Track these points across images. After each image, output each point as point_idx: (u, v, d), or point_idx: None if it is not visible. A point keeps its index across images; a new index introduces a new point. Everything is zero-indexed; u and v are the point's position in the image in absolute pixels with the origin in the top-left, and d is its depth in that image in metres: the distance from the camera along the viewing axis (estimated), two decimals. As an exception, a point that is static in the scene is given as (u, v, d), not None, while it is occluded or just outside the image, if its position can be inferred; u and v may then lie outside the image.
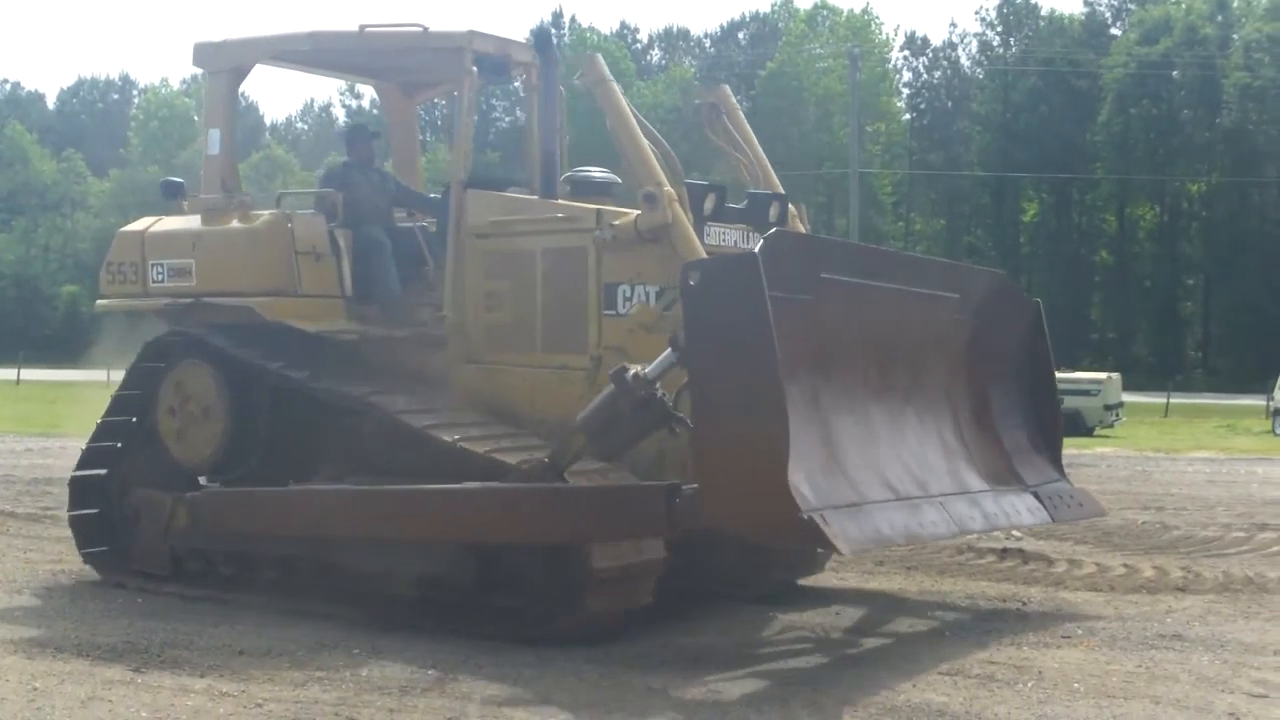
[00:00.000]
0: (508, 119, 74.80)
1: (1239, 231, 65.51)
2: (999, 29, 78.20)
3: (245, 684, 7.02)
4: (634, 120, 8.98)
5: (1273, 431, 32.10)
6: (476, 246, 9.28)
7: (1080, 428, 28.87)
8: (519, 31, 58.57)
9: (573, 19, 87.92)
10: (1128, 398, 34.18)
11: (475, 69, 9.55)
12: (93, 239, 70.47)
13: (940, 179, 72.42)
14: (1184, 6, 71.11)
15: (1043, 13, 78.09)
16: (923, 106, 79.41)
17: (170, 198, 10.48)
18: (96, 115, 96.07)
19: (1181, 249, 70.17)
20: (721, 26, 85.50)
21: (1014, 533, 11.60)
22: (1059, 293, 60.22)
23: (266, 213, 9.77)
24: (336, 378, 9.12)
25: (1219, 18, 69.11)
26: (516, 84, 11.13)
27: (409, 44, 9.88)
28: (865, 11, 79.50)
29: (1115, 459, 23.39)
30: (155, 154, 75.74)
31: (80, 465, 10.15)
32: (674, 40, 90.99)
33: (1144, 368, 59.47)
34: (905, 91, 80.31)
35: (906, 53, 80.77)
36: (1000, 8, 77.71)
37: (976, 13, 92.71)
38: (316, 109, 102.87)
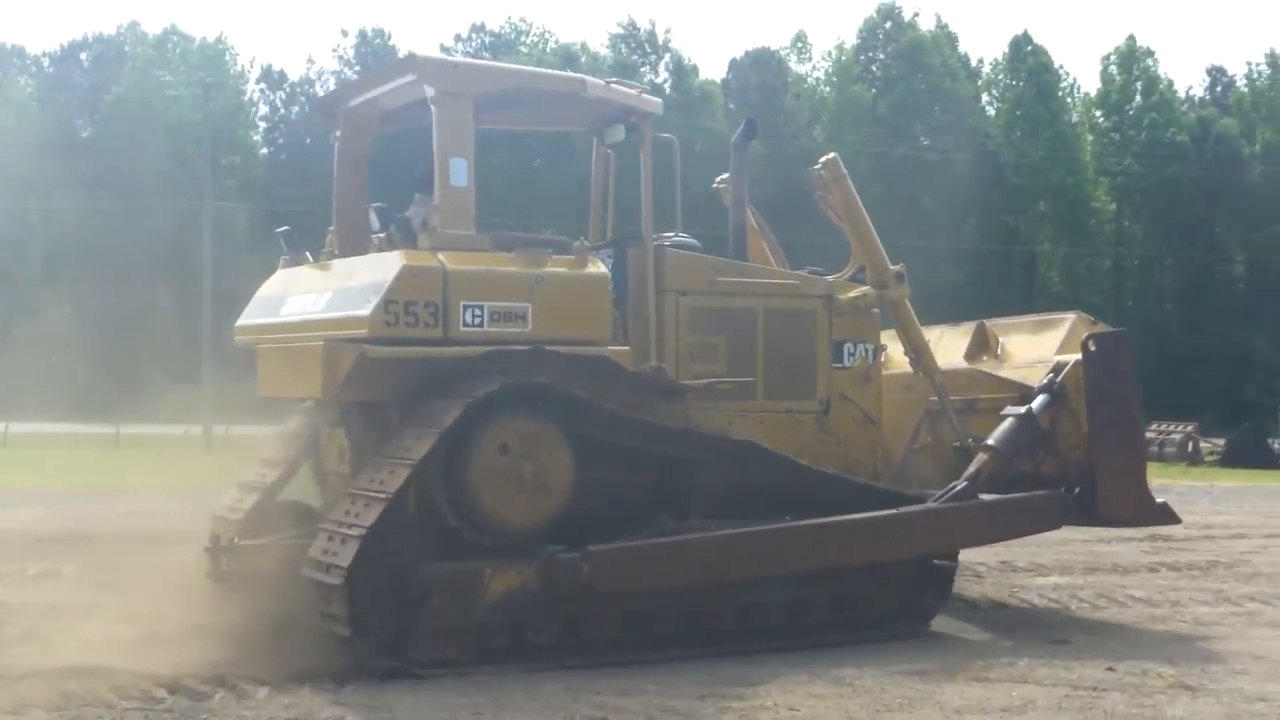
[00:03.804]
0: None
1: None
2: (357, 67, 77.83)
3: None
4: (864, 211, 11.05)
5: None
6: (680, 303, 10.08)
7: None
8: None
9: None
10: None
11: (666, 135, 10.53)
12: None
13: (299, 215, 70.70)
14: (535, 59, 73.57)
15: (400, 54, 78.51)
16: (280, 141, 77.52)
17: (293, 248, 10.30)
18: None
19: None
20: (61, 46, 79.37)
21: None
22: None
23: (588, 258, 9.46)
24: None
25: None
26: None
27: (628, 102, 10.26)
28: (219, 41, 76.80)
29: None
30: None
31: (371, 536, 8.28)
32: (8, 57, 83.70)
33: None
34: (262, 125, 78.21)
35: (263, 85, 78.73)
36: (358, 47, 77.57)
37: (334, 50, 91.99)
38: None
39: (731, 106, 72.38)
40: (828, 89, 77.05)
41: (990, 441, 10.31)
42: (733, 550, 9.29)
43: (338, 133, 10.55)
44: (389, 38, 78.78)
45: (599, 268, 9.43)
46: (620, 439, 9.22)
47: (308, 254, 10.30)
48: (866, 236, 11.08)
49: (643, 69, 73.52)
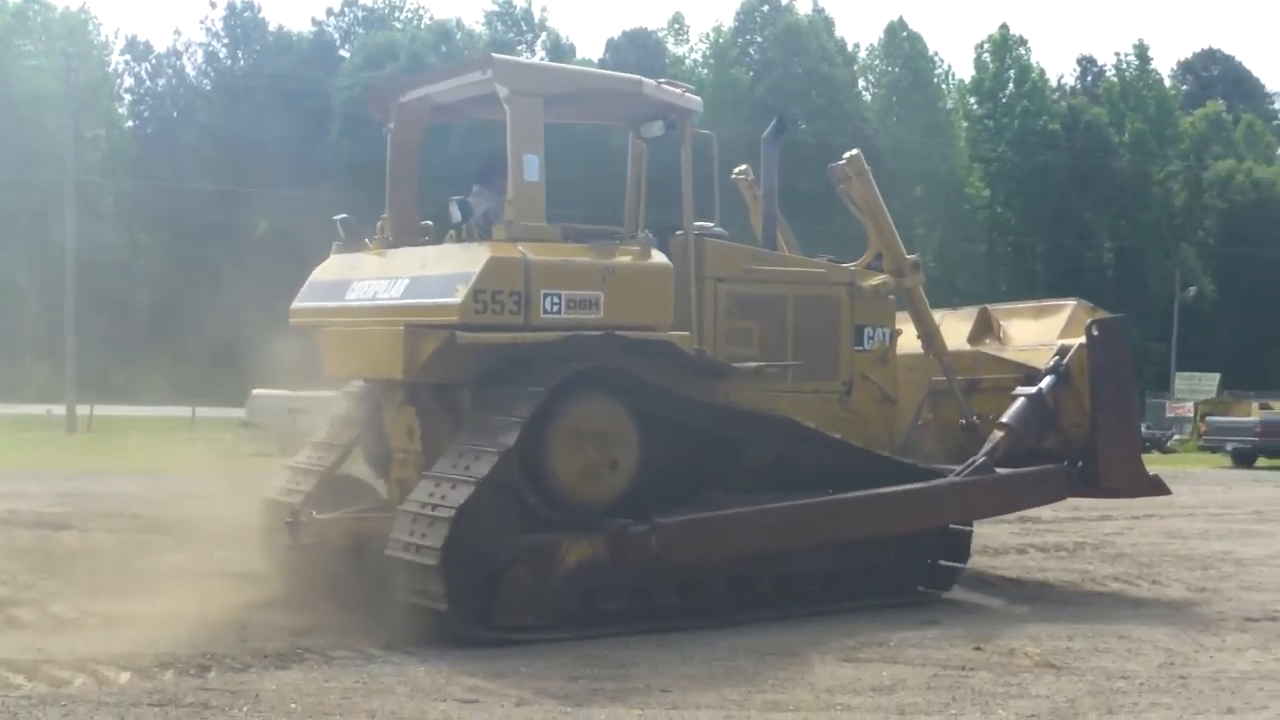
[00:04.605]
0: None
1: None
2: (226, 40, 76.34)
3: None
4: (883, 204, 11.79)
5: None
6: (719, 289, 10.65)
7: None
8: None
9: None
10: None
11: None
12: None
13: (166, 190, 69.17)
14: (409, 34, 72.77)
15: (271, 27, 77.22)
16: (146, 114, 75.69)
17: (352, 235, 10.82)
18: None
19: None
20: (-83, 13, 76.97)
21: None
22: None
23: (651, 248, 9.99)
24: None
25: (444, 48, 71.25)
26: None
27: (674, 100, 10.74)
28: (82, 10, 74.90)
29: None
30: None
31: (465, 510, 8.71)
32: None
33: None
34: (127, 98, 76.34)
35: (128, 57, 76.76)
36: (227, 19, 75.94)
37: (202, 22, 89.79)
38: None
39: (609, 87, 72.25)
40: (705, 71, 77.26)
41: (1005, 419, 11.10)
42: (787, 521, 10.01)
43: (390, 125, 10.94)
44: (259, 10, 77.24)
45: (662, 258, 9.96)
46: (686, 420, 9.92)
47: (367, 241, 10.77)
48: (885, 228, 11.76)
49: (520, 47, 73.09)
